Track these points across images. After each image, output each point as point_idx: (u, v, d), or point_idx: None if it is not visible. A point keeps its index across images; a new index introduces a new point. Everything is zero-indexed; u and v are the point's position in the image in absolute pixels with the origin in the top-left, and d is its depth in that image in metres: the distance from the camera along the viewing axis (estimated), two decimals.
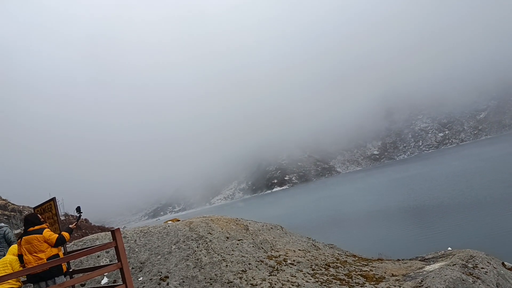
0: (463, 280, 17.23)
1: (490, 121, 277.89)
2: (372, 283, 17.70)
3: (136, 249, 18.69)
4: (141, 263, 17.85)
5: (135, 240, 19.33)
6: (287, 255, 20.15)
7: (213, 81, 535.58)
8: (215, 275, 17.16)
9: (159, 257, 18.23)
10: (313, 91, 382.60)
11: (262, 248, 20.49)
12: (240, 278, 17.09)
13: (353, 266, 19.98)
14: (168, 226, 21.18)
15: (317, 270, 18.70)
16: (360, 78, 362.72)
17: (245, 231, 22.07)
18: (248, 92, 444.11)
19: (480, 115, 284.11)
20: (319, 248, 22.99)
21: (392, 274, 19.09)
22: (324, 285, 17.24)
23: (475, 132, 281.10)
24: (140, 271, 17.41)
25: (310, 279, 17.56)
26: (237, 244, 20.13)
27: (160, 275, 17.04)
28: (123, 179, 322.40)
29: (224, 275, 17.19)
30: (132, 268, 17.29)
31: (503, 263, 21.03)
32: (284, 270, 18.22)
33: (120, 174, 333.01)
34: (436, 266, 19.42)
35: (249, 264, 18.31)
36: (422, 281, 17.58)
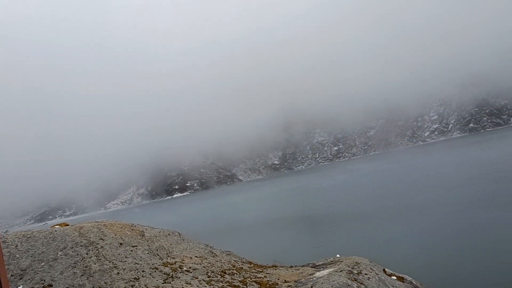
0: (348, 285, 18.34)
1: (378, 138, 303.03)
2: None
3: (17, 255, 17.06)
4: (22, 270, 16.32)
5: (16, 245, 17.65)
6: (183, 262, 19.83)
7: (109, 70, 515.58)
8: (105, 283, 16.28)
9: (43, 264, 16.81)
10: (218, 97, 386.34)
11: (158, 255, 19.93)
12: (132, 286, 16.42)
13: (249, 273, 20.28)
14: (55, 231, 19.66)
15: (213, 277, 18.66)
16: (264, 90, 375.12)
17: (141, 237, 21.31)
18: (148, 88, 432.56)
19: (370, 133, 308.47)
20: (216, 255, 22.99)
21: (285, 280, 19.72)
22: None
23: (365, 147, 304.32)
24: (20, 279, 15.90)
25: (205, 286, 17.46)
26: (131, 250, 19.34)
27: (43, 283, 15.72)
28: (6, 176, 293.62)
29: (114, 283, 16.37)
30: (12, 276, 15.74)
31: (384, 270, 22.81)
32: (179, 277, 17.89)
33: (3, 171, 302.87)
34: (325, 272, 20.44)
35: (143, 271, 17.68)
36: (312, 286, 18.34)
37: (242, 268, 21.36)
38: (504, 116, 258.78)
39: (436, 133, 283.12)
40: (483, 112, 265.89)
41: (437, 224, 46.54)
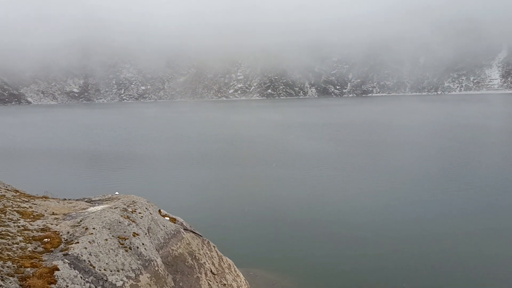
0: (119, 222, 18.49)
1: (187, 87, 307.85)
2: (28, 220, 16.89)
3: None
4: None
5: None
6: None
7: None
8: None
9: None
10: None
11: None
12: None
13: (11, 201, 18.54)
14: None
15: None
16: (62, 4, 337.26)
17: None
18: None
19: (180, 79, 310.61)
20: None
21: (53, 212, 18.73)
22: None
23: (173, 93, 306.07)
24: None
25: None
26: None
27: None
28: None
29: None
30: None
31: (159, 210, 23.74)
32: None
33: None
34: (99, 208, 20.13)
35: None
36: (81, 220, 17.91)
37: (4, 196, 19.38)
38: (296, 88, 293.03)
39: (239, 92, 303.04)
40: (280, 81, 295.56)
41: (209, 173, 50.14)
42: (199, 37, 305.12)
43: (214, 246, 23.02)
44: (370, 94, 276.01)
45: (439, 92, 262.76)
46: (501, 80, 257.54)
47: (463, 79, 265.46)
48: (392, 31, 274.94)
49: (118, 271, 16.53)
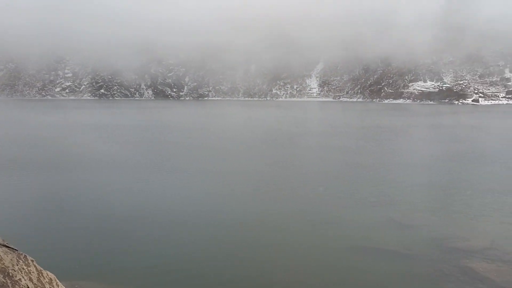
0: None
1: (4, 83, 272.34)
2: None
3: None
4: None
5: None
6: None
7: None
8: None
9: None
10: None
11: None
12: None
13: None
14: None
15: None
16: None
17: None
18: None
19: None
20: None
21: None
22: None
23: None
24: None
25: None
26: None
27: None
28: None
29: None
30: None
31: None
32: None
33: None
34: None
35: None
36: None
37: None
38: (132, 90, 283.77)
39: (67, 91, 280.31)
40: (114, 81, 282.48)
41: (20, 179, 45.49)
42: (15, 28, 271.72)
43: (32, 261, 20.94)
44: (206, 98, 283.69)
45: (268, 98, 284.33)
46: (318, 89, 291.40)
47: (288, 87, 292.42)
48: (223, 39, 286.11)
49: None
